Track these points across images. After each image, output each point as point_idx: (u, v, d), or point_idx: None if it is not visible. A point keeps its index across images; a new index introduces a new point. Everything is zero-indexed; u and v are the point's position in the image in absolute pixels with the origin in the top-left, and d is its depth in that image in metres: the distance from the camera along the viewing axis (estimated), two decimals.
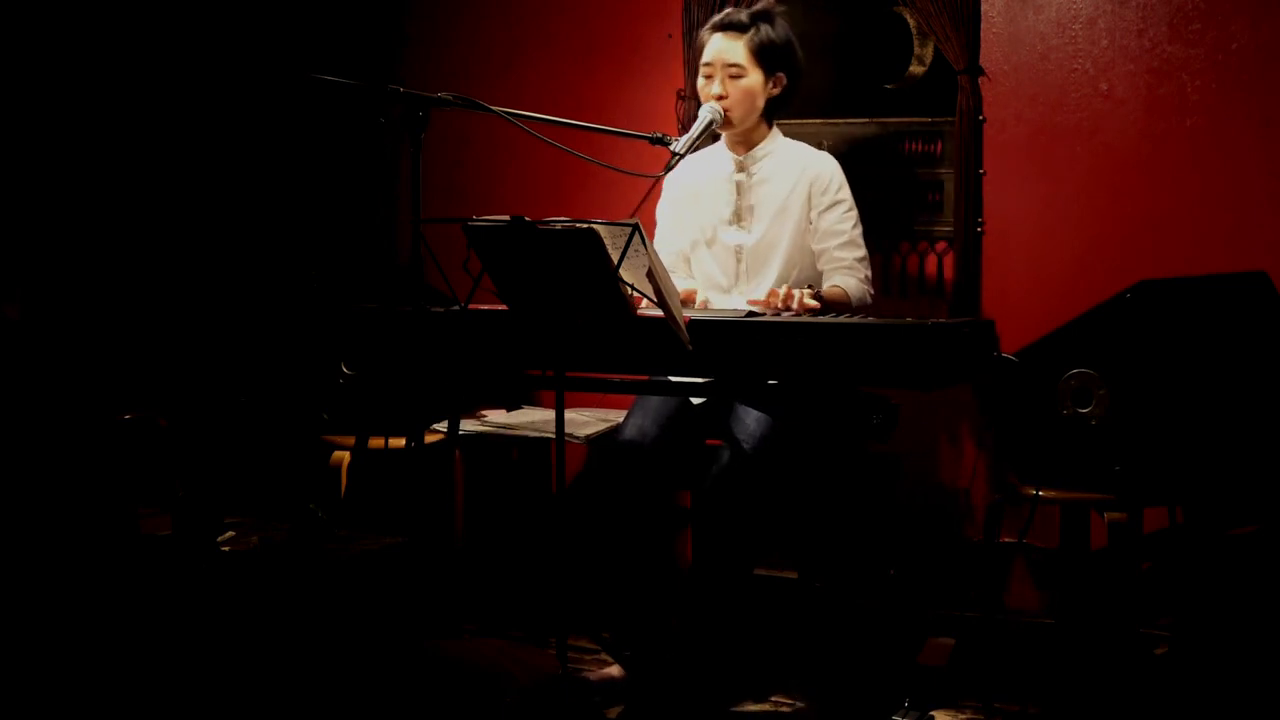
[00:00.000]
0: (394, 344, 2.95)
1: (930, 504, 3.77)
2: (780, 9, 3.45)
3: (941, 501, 3.77)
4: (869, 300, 3.36)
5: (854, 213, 3.38)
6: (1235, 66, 3.46)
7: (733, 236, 3.41)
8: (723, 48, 3.32)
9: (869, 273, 3.38)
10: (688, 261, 3.53)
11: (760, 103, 3.35)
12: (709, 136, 3.38)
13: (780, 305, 3.05)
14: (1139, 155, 3.56)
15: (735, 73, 3.31)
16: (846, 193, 3.39)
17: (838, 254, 3.36)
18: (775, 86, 3.37)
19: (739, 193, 3.42)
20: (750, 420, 3.14)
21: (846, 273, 3.35)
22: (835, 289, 3.30)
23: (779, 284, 3.36)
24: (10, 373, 3.37)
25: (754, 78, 3.32)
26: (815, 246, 3.38)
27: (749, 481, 3.09)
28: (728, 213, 3.42)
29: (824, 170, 3.38)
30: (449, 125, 4.06)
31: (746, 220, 3.41)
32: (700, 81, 3.36)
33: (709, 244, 3.45)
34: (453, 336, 2.93)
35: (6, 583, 2.69)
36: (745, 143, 3.42)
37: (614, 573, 3.33)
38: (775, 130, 3.45)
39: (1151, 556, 3.24)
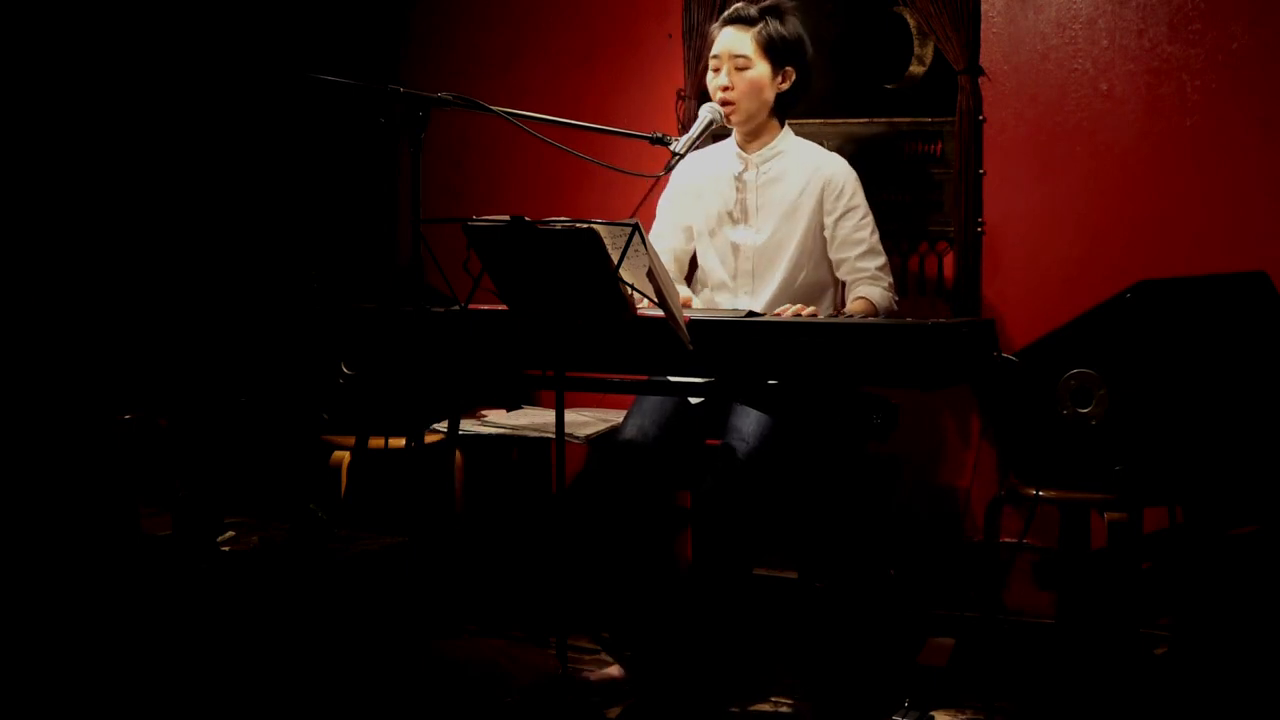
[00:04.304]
0: (394, 344, 2.95)
1: (930, 504, 3.77)
2: (790, 4, 3.45)
3: (941, 501, 3.77)
4: (895, 308, 3.35)
5: (870, 218, 3.36)
6: (1235, 66, 3.46)
7: (746, 238, 3.40)
8: (730, 39, 3.32)
9: (891, 279, 3.36)
10: (678, 261, 3.54)
11: (768, 96, 3.35)
12: (710, 136, 3.38)
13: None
14: (1139, 155, 3.56)
15: (741, 64, 3.31)
16: (861, 197, 3.37)
17: (860, 264, 3.34)
18: (784, 81, 3.35)
19: (740, 190, 3.41)
20: (750, 420, 3.14)
21: (870, 283, 3.33)
22: (861, 302, 3.28)
23: (785, 285, 3.36)
24: (10, 373, 3.37)
25: (760, 69, 3.31)
26: (834, 256, 3.37)
27: (748, 482, 3.09)
28: (741, 213, 3.41)
29: (838, 173, 3.36)
30: (449, 125, 4.06)
31: (752, 219, 3.40)
32: (709, 76, 3.36)
33: (719, 249, 3.44)
34: (453, 336, 2.93)
35: (7, 582, 2.69)
36: (755, 140, 3.41)
37: (614, 573, 3.33)
38: (787, 129, 3.44)
39: (1151, 556, 3.24)
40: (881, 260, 3.36)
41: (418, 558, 2.84)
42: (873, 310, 3.27)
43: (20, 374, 3.40)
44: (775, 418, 3.12)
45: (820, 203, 3.35)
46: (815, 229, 3.37)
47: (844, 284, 3.42)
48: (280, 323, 3.98)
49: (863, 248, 3.34)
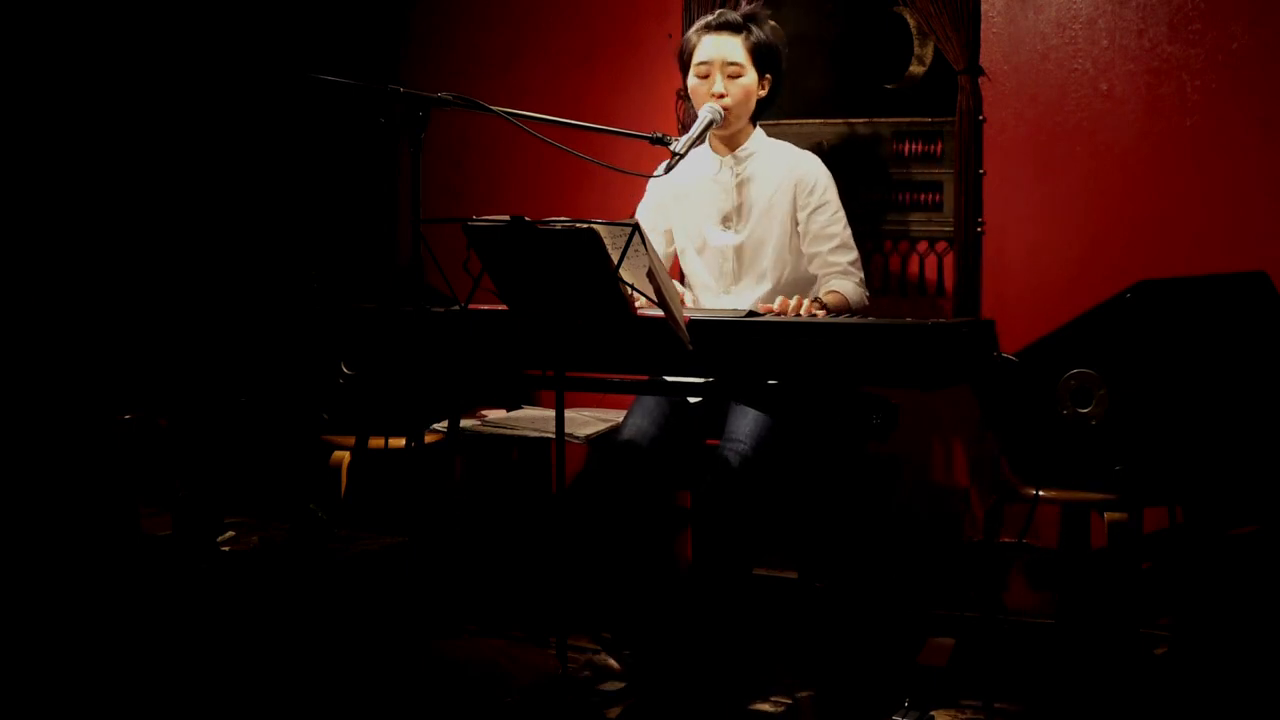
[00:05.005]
0: (394, 344, 2.95)
1: (930, 504, 3.77)
2: (768, 12, 3.46)
3: (941, 501, 3.77)
4: (866, 302, 3.36)
5: (842, 213, 3.38)
6: (1235, 66, 3.46)
7: (724, 238, 3.41)
8: (721, 46, 3.31)
9: (863, 274, 3.38)
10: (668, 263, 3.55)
11: (753, 103, 3.36)
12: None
13: (789, 314, 3.02)
14: (1139, 155, 3.57)
15: (735, 71, 3.31)
16: (833, 193, 3.38)
17: (832, 258, 3.35)
18: (763, 88, 3.37)
19: (718, 192, 3.41)
20: (749, 420, 3.14)
21: (842, 277, 3.34)
22: (834, 294, 3.29)
23: (770, 283, 3.36)
24: (10, 373, 3.37)
25: (751, 77, 3.32)
26: (807, 250, 3.38)
27: (748, 482, 3.09)
28: (719, 214, 3.42)
29: (809, 170, 3.38)
30: (449, 125, 4.06)
31: (732, 220, 3.41)
32: (694, 81, 3.35)
33: (699, 250, 3.45)
34: (453, 336, 2.93)
35: (7, 582, 2.69)
36: (731, 143, 3.41)
37: (614, 573, 3.33)
38: (759, 130, 3.45)
39: (1151, 556, 3.24)
40: (853, 255, 3.37)
41: (418, 558, 2.84)
42: (845, 303, 3.28)
43: (21, 374, 3.40)
44: (775, 418, 3.12)
45: (794, 199, 3.36)
46: (793, 226, 3.38)
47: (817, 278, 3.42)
48: (280, 323, 3.98)
49: (835, 242, 3.35)
